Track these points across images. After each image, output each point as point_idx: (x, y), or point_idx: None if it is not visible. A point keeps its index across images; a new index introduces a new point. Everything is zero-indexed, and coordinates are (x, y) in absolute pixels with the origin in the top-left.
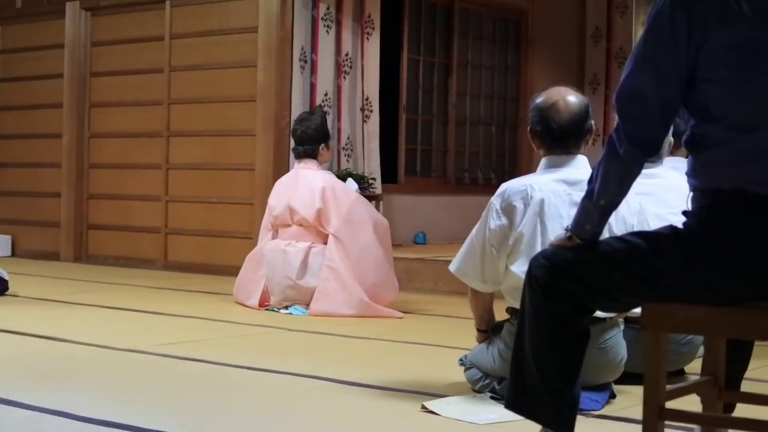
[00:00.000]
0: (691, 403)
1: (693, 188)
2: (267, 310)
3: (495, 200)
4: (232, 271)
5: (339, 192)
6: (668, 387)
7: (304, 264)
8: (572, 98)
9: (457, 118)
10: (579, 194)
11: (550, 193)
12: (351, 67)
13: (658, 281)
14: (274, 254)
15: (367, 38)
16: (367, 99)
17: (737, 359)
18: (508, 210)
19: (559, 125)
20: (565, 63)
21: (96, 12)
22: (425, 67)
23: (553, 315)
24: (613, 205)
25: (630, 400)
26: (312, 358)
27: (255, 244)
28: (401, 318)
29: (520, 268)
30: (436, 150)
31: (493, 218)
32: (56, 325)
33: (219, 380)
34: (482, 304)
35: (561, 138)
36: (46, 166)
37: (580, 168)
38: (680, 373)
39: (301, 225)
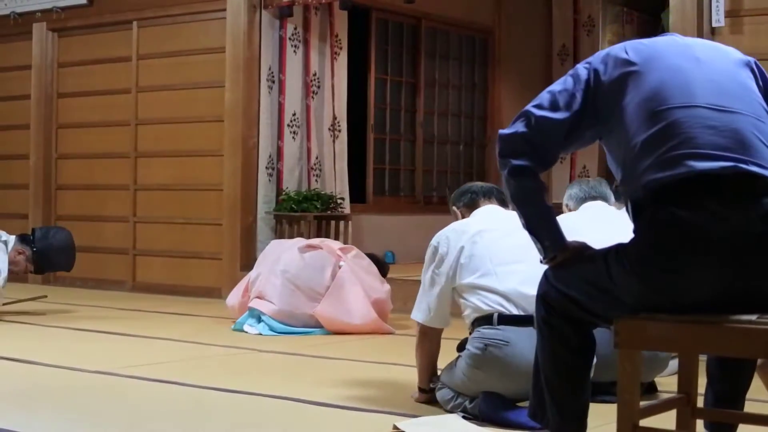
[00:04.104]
0: (664, 421)
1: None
2: (234, 330)
3: (431, 245)
4: (201, 292)
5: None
6: (642, 404)
7: (304, 253)
8: None
9: (425, 137)
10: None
11: (480, 219)
12: (319, 86)
13: (612, 291)
14: (278, 242)
15: (335, 58)
16: (335, 118)
17: (736, 377)
18: (443, 242)
19: (473, 184)
20: (532, 81)
21: (63, 33)
22: (393, 86)
23: (552, 329)
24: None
25: (602, 418)
26: (282, 379)
27: (223, 265)
28: (393, 333)
29: (469, 278)
30: (404, 169)
31: (432, 254)
32: (23, 347)
33: (188, 402)
34: (429, 352)
35: (479, 192)
36: (14, 188)
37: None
38: (653, 390)
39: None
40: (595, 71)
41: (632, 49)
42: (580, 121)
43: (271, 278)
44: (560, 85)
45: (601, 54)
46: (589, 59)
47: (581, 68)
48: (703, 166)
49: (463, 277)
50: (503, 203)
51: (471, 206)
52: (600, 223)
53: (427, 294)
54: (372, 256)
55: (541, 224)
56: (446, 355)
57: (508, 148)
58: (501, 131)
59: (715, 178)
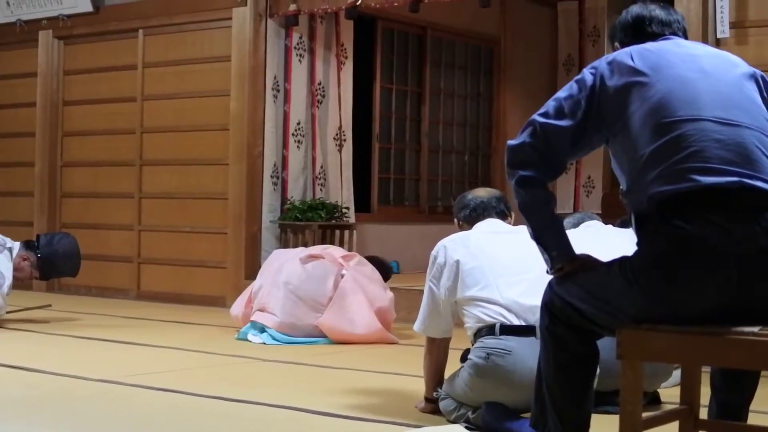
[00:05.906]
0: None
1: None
2: (238, 339)
3: (432, 255)
4: (205, 300)
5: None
6: (644, 415)
7: (306, 264)
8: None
9: (430, 147)
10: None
11: (476, 234)
12: (324, 96)
13: (616, 302)
14: (280, 252)
15: (341, 67)
16: (340, 128)
17: (740, 388)
18: (441, 251)
19: (474, 197)
20: (537, 91)
21: (69, 41)
22: (398, 95)
23: (556, 338)
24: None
25: (605, 429)
26: (285, 388)
27: (227, 274)
28: (397, 343)
29: (470, 292)
30: (409, 179)
31: (432, 263)
32: (27, 355)
33: (192, 411)
34: (436, 361)
35: (479, 207)
36: (19, 195)
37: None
38: (656, 402)
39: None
40: (601, 76)
41: (638, 55)
42: (585, 126)
43: (273, 290)
44: (566, 91)
45: (607, 58)
46: (595, 64)
47: (587, 73)
48: (708, 181)
49: (463, 291)
50: (502, 215)
51: (470, 222)
52: (602, 239)
53: (425, 304)
54: (374, 259)
55: (549, 234)
56: (451, 365)
57: (516, 158)
58: (509, 142)
59: (720, 193)
